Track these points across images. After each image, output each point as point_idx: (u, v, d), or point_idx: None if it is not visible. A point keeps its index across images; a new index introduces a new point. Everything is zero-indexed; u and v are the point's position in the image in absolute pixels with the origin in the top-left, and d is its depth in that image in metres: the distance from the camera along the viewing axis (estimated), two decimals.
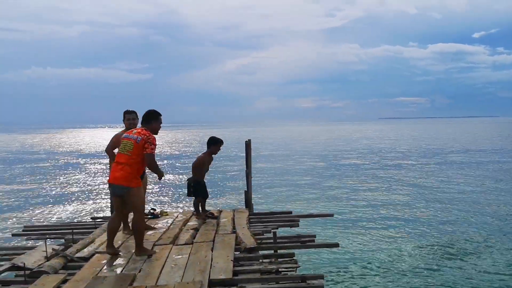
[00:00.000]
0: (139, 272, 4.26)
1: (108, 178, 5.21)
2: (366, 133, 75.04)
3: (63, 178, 20.69)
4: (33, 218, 12.10)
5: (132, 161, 4.74)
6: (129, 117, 6.14)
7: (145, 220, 5.59)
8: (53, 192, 16.57)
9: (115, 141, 6.01)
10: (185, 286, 3.81)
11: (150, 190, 15.23)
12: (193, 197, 6.81)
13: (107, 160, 7.23)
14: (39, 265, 4.47)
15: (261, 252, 4.96)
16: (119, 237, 5.56)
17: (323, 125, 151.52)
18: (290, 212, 7.33)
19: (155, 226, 6.21)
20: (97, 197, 15.40)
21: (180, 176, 20.63)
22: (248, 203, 7.33)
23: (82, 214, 12.56)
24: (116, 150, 5.91)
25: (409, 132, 76.81)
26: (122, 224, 5.73)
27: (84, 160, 30.57)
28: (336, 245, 5.65)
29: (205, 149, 6.90)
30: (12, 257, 4.85)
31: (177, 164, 27.09)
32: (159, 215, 6.94)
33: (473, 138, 52.16)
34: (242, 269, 4.32)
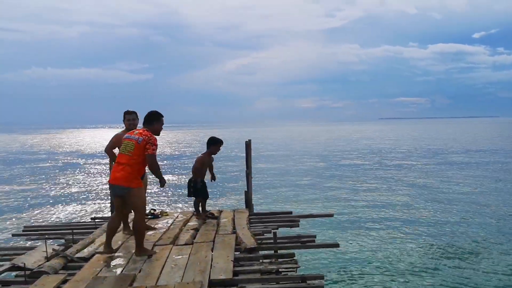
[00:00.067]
0: (139, 272, 4.26)
1: (108, 178, 5.21)
2: (366, 133, 75.04)
3: (63, 178, 20.69)
4: (33, 218, 12.10)
5: (133, 161, 4.75)
6: (129, 117, 6.14)
7: (145, 220, 5.58)
8: (53, 192, 16.57)
9: (115, 141, 6.02)
10: (185, 287, 3.81)
11: (151, 191, 15.23)
12: (193, 198, 6.82)
13: (107, 160, 7.24)
14: (39, 265, 4.47)
15: (261, 252, 4.96)
16: (119, 237, 5.56)
17: (323, 125, 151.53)
18: (290, 212, 7.33)
19: (155, 226, 6.21)
20: (97, 197, 15.40)
21: (180, 177, 20.64)
22: (248, 203, 7.33)
23: (82, 214, 12.56)
24: (116, 150, 5.92)
25: (409, 132, 76.81)
26: (122, 224, 5.74)
27: (84, 160, 30.58)
28: (336, 245, 5.65)
29: (205, 149, 6.90)
30: (12, 257, 4.85)
31: (177, 164, 27.09)
32: (159, 215, 6.95)
33: (473, 138, 52.15)
34: (242, 269, 4.32)
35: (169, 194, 15.76)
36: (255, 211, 7.50)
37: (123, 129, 6.20)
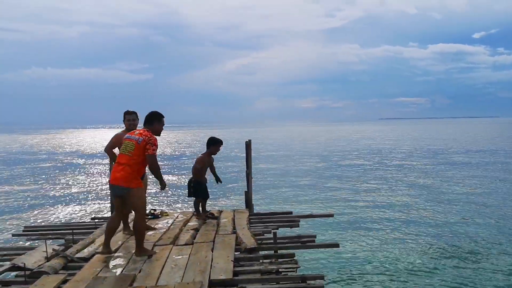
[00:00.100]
0: (139, 272, 4.26)
1: (108, 178, 5.21)
2: (366, 134, 75.04)
3: (63, 179, 20.69)
4: (33, 219, 12.11)
5: (132, 161, 4.75)
6: (129, 117, 6.14)
7: (146, 220, 5.58)
8: (53, 193, 16.58)
9: (115, 141, 6.02)
10: (185, 287, 3.81)
11: (151, 191, 15.24)
12: (194, 198, 6.82)
13: (107, 161, 7.24)
14: (39, 265, 4.47)
15: (261, 253, 4.96)
16: (119, 237, 5.56)
17: (323, 126, 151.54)
18: (291, 213, 7.33)
19: (156, 226, 6.21)
20: (97, 198, 15.40)
21: (180, 177, 20.64)
22: (249, 204, 7.33)
23: (82, 215, 12.57)
24: (116, 150, 5.92)
25: (409, 133, 76.81)
26: (122, 225, 5.74)
27: (84, 160, 30.58)
28: (336, 245, 5.65)
29: (205, 149, 6.90)
30: (12, 257, 4.85)
31: (177, 164, 27.09)
32: (160, 216, 6.95)
33: (473, 139, 52.15)
34: (242, 270, 4.32)
35: (169, 194, 15.76)
36: (255, 211, 7.50)
37: (123, 129, 6.20)
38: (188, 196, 6.92)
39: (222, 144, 6.89)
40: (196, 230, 5.95)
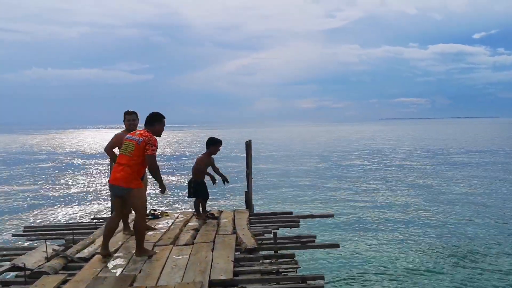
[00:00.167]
0: (140, 272, 4.26)
1: (108, 178, 5.21)
2: (366, 134, 75.04)
3: (64, 179, 20.69)
4: (33, 219, 12.11)
5: (132, 162, 4.75)
6: (130, 118, 6.14)
7: (146, 220, 5.58)
8: (54, 193, 16.58)
9: (115, 141, 6.02)
10: (185, 287, 3.81)
11: (150, 191, 15.25)
12: (194, 198, 6.81)
13: (107, 161, 7.25)
14: (40, 265, 4.47)
15: (261, 253, 4.95)
16: (120, 238, 5.56)
17: (324, 126, 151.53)
18: (291, 213, 7.33)
19: (156, 226, 6.21)
20: (97, 198, 15.40)
21: (180, 177, 20.64)
22: (249, 204, 7.33)
23: (82, 215, 12.57)
24: (116, 150, 5.92)
25: (410, 133, 76.82)
26: (122, 225, 5.74)
27: (84, 160, 30.58)
28: (336, 245, 5.65)
29: (205, 149, 6.89)
30: (12, 257, 4.85)
31: (177, 164, 27.09)
32: (160, 216, 6.94)
33: (474, 139, 52.16)
34: (242, 270, 4.32)
35: (169, 195, 15.76)
36: (255, 211, 7.50)
37: (123, 129, 6.20)
38: (188, 197, 6.92)
39: (221, 144, 6.88)
40: (196, 230, 5.95)
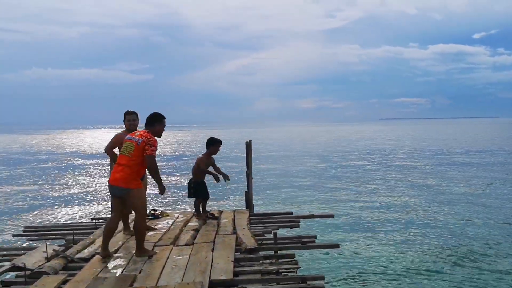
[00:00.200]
0: (140, 273, 4.27)
1: (108, 178, 5.21)
2: (366, 134, 75.04)
3: (64, 179, 20.69)
4: (34, 219, 12.11)
5: (132, 162, 4.75)
6: (130, 118, 6.14)
7: (146, 220, 5.58)
8: (54, 193, 16.58)
9: (115, 141, 6.02)
10: (185, 287, 3.81)
11: (150, 191, 15.26)
12: (194, 198, 6.82)
13: (107, 161, 7.25)
14: (40, 265, 4.48)
15: (261, 253, 4.96)
16: (120, 238, 5.57)
17: (323, 126, 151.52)
18: (291, 213, 7.34)
19: (156, 226, 6.22)
20: (98, 198, 15.40)
21: (181, 177, 20.64)
22: (249, 204, 7.33)
23: (82, 215, 12.57)
24: (116, 150, 5.92)
25: (410, 133, 76.82)
26: (122, 225, 5.74)
27: (84, 161, 30.58)
28: (336, 246, 5.65)
29: (205, 149, 6.90)
30: (12, 257, 4.85)
31: (177, 165, 27.09)
32: (160, 216, 6.95)
33: (474, 139, 52.15)
34: (242, 270, 4.32)
35: (169, 195, 15.76)
36: (255, 211, 7.50)
37: (124, 129, 6.20)
38: (189, 197, 6.93)
39: (221, 144, 6.88)
40: (197, 230, 5.95)
